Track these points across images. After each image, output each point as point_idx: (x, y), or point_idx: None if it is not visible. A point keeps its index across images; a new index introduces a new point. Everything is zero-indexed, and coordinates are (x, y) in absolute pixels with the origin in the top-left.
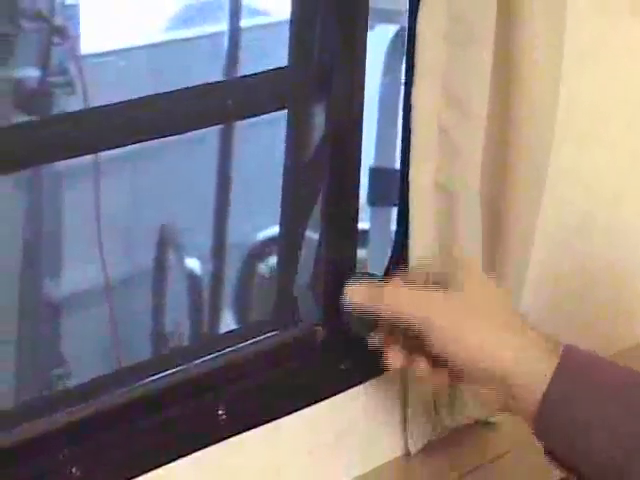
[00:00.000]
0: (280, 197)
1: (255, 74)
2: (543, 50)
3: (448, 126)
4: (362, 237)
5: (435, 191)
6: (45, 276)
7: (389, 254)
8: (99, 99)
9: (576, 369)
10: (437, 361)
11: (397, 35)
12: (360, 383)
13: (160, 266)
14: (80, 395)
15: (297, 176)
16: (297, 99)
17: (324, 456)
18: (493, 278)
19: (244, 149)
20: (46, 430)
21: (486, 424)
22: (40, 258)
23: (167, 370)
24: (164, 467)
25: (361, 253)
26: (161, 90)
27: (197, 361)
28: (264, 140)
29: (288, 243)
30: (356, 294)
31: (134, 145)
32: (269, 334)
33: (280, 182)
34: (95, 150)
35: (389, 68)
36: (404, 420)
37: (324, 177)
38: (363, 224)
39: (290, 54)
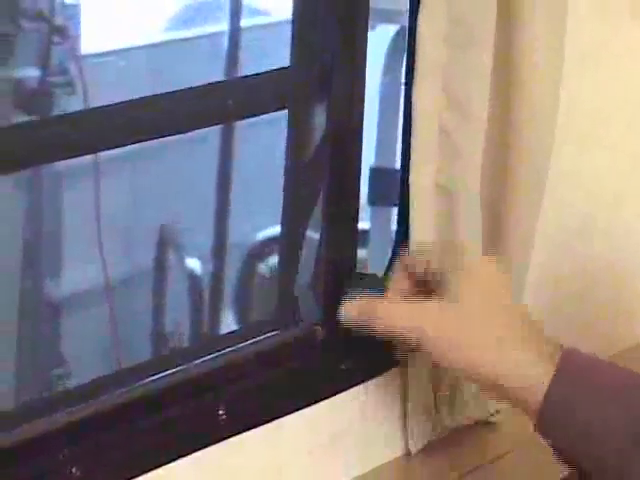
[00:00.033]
0: (280, 197)
1: (256, 74)
2: (543, 53)
3: (449, 127)
4: (362, 237)
5: (435, 192)
6: (45, 276)
7: (389, 254)
8: (99, 99)
9: (576, 372)
10: None
11: (397, 35)
12: (360, 383)
13: (160, 266)
14: (80, 395)
15: (298, 176)
16: (298, 99)
17: (324, 456)
18: (493, 260)
19: (244, 149)
20: (46, 430)
21: (486, 424)
22: (40, 258)
23: (167, 370)
24: (164, 467)
25: (361, 253)
26: (161, 90)
27: (197, 361)
28: (264, 140)
29: (289, 243)
30: (350, 310)
31: (134, 145)
32: (269, 334)
33: (280, 182)
34: (95, 150)
35: (389, 68)
36: (404, 420)
37: (324, 177)
38: (363, 224)
39: (292, 54)
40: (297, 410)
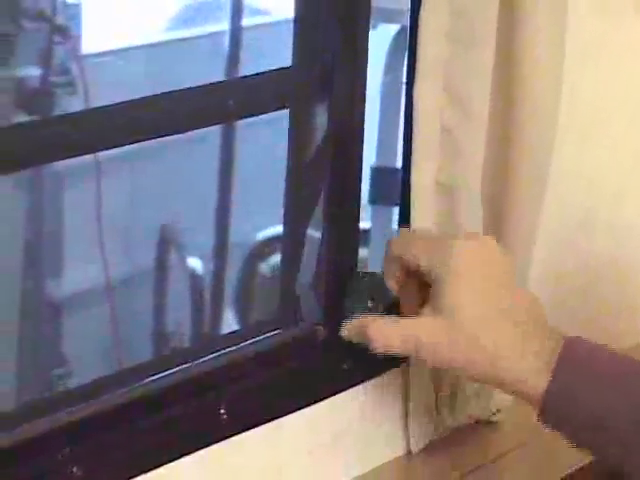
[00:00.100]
0: (281, 196)
1: (257, 74)
2: (545, 47)
3: (450, 126)
4: (363, 236)
5: (436, 191)
6: (46, 276)
7: None
8: (101, 99)
9: (577, 362)
10: None
11: (399, 34)
12: (361, 382)
13: (161, 266)
14: (81, 394)
15: (299, 175)
16: (299, 99)
17: (325, 455)
18: (491, 243)
19: (245, 149)
20: (47, 430)
21: (488, 423)
22: (41, 258)
23: (168, 370)
24: (165, 466)
25: (362, 252)
26: (162, 90)
27: (198, 361)
28: (264, 140)
29: (290, 242)
30: (349, 333)
31: (135, 145)
32: (270, 334)
33: (281, 181)
34: (96, 150)
35: (390, 67)
36: (405, 419)
37: (326, 176)
38: (364, 223)
39: (294, 54)
40: (298, 410)
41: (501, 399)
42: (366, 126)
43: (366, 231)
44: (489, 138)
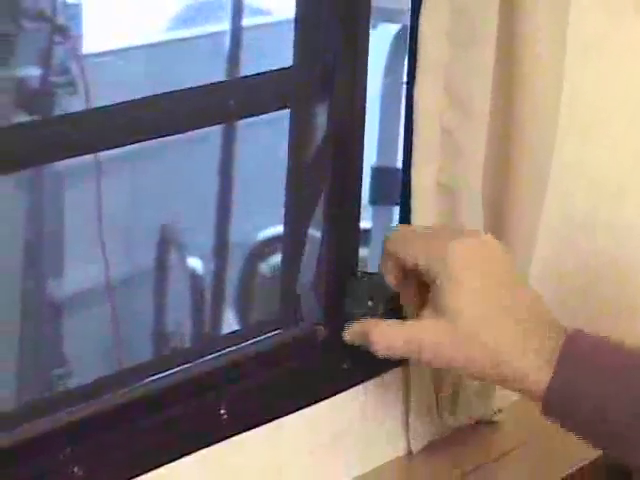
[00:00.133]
0: (282, 196)
1: (258, 74)
2: (546, 44)
3: (451, 126)
4: (364, 236)
5: (437, 191)
6: (47, 276)
7: None
8: (101, 99)
9: (579, 357)
10: None
11: (399, 34)
12: (361, 382)
13: (162, 266)
14: (82, 394)
15: (300, 175)
16: (300, 99)
17: (325, 455)
18: (491, 242)
19: (246, 149)
20: (48, 430)
21: (489, 423)
22: (42, 258)
23: (168, 370)
24: (166, 466)
25: (363, 252)
26: (163, 90)
27: (198, 361)
28: (264, 140)
29: (291, 242)
30: (350, 337)
31: (136, 145)
32: (270, 334)
33: (281, 181)
34: (97, 150)
35: (391, 67)
36: (406, 419)
37: (326, 176)
38: (365, 223)
39: (295, 54)
40: (298, 410)
41: (502, 399)
42: (367, 126)
43: (367, 231)
44: (489, 137)
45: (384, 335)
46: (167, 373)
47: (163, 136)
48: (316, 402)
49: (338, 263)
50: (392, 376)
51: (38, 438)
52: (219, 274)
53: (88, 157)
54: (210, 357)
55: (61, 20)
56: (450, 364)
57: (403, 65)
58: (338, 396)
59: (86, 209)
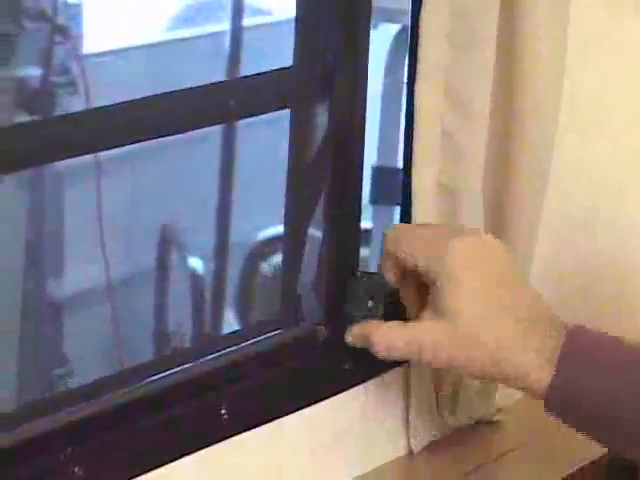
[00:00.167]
0: (282, 196)
1: (258, 74)
2: (546, 42)
3: (451, 128)
4: (365, 236)
5: (437, 192)
6: (47, 276)
7: None
8: (101, 99)
9: (579, 354)
10: None
11: (400, 34)
12: (362, 382)
13: (162, 266)
14: (83, 394)
15: (300, 175)
16: (300, 99)
17: (326, 455)
18: (490, 241)
19: (246, 149)
20: (48, 430)
21: (489, 423)
22: (42, 258)
23: (169, 370)
24: (166, 466)
25: (364, 252)
26: (163, 90)
27: (199, 361)
28: (264, 139)
29: (291, 242)
30: (352, 336)
31: (136, 145)
32: (271, 334)
33: (282, 181)
34: (97, 150)
35: (391, 67)
36: (406, 419)
37: (327, 176)
38: (366, 223)
39: (295, 54)
40: (299, 410)
41: (502, 399)
42: (367, 125)
43: (367, 231)
44: (490, 134)
45: (385, 337)
46: (167, 373)
47: (163, 136)
48: (316, 402)
49: (339, 263)
50: (392, 376)
51: (38, 438)
52: (219, 274)
53: (88, 157)
54: (211, 357)
55: (61, 20)
56: (450, 364)
57: (403, 65)
58: (338, 396)
59: (86, 209)
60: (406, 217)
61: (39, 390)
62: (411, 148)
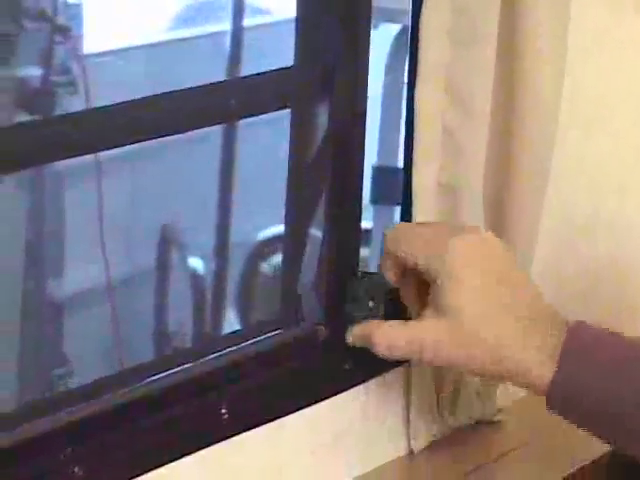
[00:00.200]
0: (282, 196)
1: (259, 74)
2: (547, 39)
3: (452, 126)
4: (365, 236)
5: (438, 191)
6: (47, 276)
7: None
8: (101, 99)
9: (581, 351)
10: None
11: (400, 34)
12: (362, 382)
13: (162, 266)
14: (83, 394)
15: (300, 175)
16: (300, 99)
17: (326, 455)
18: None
19: (247, 149)
20: (49, 430)
21: (489, 423)
22: (42, 258)
23: (169, 369)
24: (166, 466)
25: (364, 252)
26: (164, 90)
27: (199, 360)
28: (266, 140)
29: (292, 242)
30: (353, 337)
31: (136, 145)
32: (271, 333)
33: (283, 181)
34: (98, 149)
35: (392, 67)
36: (407, 419)
37: (327, 176)
38: (366, 223)
39: (295, 54)
40: (299, 409)
41: (503, 399)
42: (368, 125)
43: (368, 231)
44: (491, 132)
45: (386, 336)
46: (168, 373)
47: (163, 136)
48: (317, 402)
49: (339, 263)
50: (393, 376)
51: (39, 438)
52: (220, 274)
53: (88, 157)
54: (211, 357)
55: (62, 20)
56: (451, 362)
57: (404, 65)
58: (339, 396)
59: (86, 209)
60: (407, 216)
61: (39, 390)
62: (412, 147)
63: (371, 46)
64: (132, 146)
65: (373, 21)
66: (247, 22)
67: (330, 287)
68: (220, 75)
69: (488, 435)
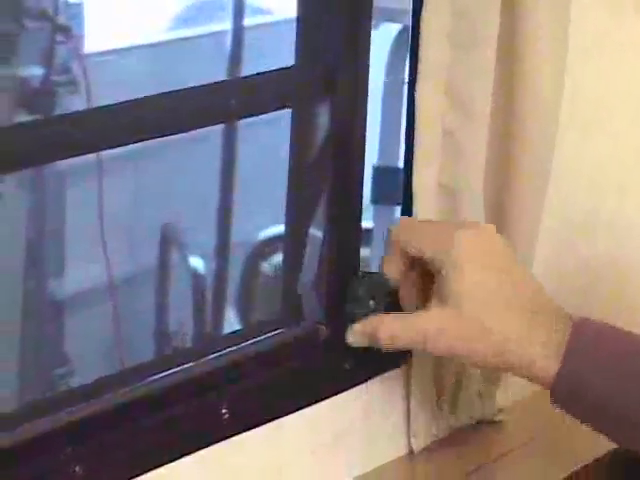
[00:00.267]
0: (283, 196)
1: (259, 74)
2: (547, 41)
3: (452, 127)
4: (365, 236)
5: (438, 192)
6: (48, 275)
7: None
8: (103, 98)
9: (586, 346)
10: None
11: (401, 34)
12: (363, 382)
13: (163, 265)
14: (83, 394)
15: (301, 175)
16: (301, 99)
17: (327, 455)
18: (492, 233)
19: (247, 148)
20: (49, 429)
21: (490, 423)
22: (43, 257)
23: (170, 369)
24: (167, 466)
25: (364, 252)
26: (165, 89)
27: (200, 360)
28: (267, 139)
29: (292, 242)
30: (353, 336)
31: (137, 144)
32: (271, 333)
33: (283, 181)
34: (98, 149)
35: (393, 66)
36: (407, 419)
37: (328, 176)
38: (367, 223)
39: (296, 54)
40: (299, 409)
41: (504, 399)
42: (368, 125)
43: (368, 231)
44: (491, 133)
45: (390, 328)
46: (168, 373)
47: (165, 135)
48: (317, 402)
49: (339, 263)
50: (394, 376)
51: (39, 438)
52: (220, 273)
53: (90, 156)
54: (211, 357)
55: (63, 19)
56: (454, 352)
57: (404, 65)
58: (339, 396)
59: (88, 208)
60: (407, 216)
61: (40, 390)
62: (412, 148)
63: (372, 46)
64: (132, 146)
65: (374, 21)
66: (248, 22)
67: (331, 287)
68: (221, 75)
69: (489, 435)
